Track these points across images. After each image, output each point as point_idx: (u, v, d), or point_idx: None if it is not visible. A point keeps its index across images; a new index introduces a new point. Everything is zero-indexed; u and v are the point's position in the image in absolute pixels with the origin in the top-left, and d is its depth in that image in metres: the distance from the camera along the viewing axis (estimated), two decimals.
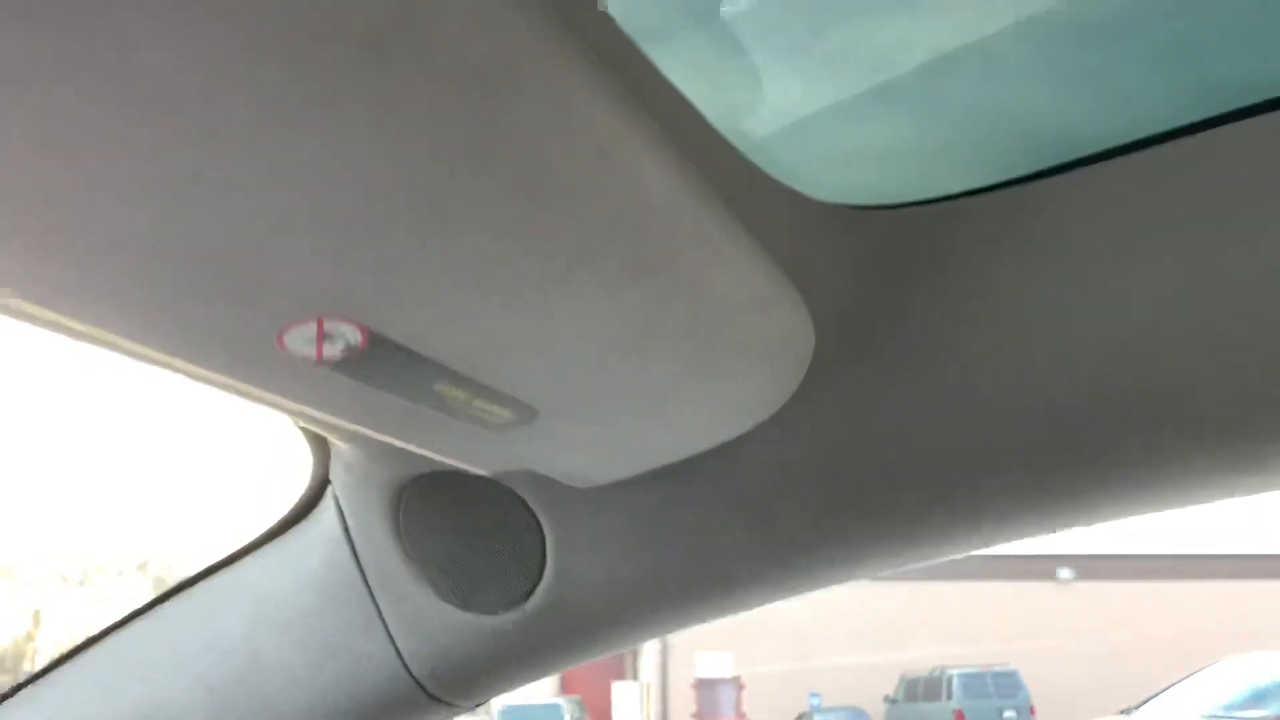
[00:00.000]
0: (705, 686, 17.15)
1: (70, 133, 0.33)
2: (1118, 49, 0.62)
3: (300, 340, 0.45)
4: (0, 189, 0.35)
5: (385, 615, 0.80)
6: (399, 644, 0.80)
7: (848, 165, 0.67)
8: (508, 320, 0.48)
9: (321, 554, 0.82)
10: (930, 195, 0.62)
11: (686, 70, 0.55)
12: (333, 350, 0.46)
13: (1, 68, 0.30)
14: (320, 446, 0.79)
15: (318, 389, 0.52)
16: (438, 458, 0.66)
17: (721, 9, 0.61)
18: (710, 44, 0.63)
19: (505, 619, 0.77)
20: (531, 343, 0.51)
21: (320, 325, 0.45)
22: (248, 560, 0.86)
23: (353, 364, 0.48)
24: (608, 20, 0.44)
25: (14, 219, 0.36)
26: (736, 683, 17.16)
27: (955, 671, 15.46)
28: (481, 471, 0.70)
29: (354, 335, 0.46)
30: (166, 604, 0.88)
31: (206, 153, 0.35)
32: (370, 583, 0.80)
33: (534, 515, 0.74)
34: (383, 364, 0.49)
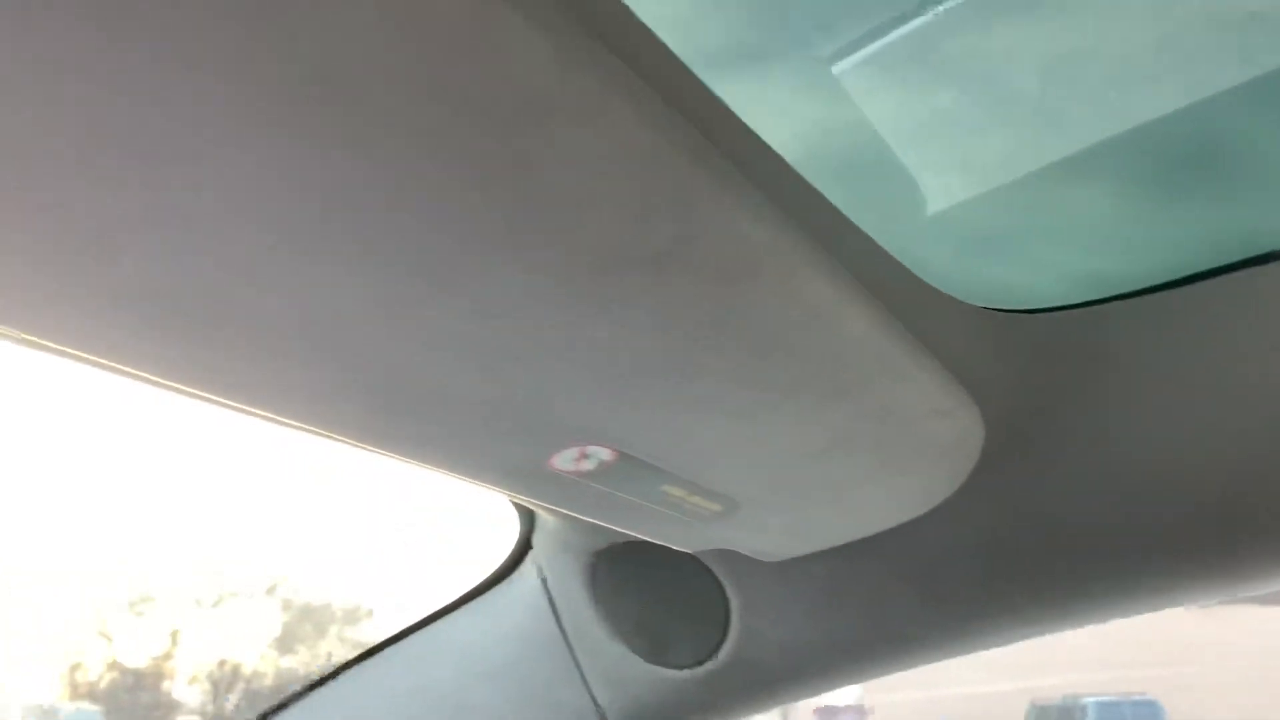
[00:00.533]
0: (829, 714, 16.97)
1: (432, 337, 0.43)
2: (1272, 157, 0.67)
3: (565, 461, 0.55)
4: (370, 362, 0.45)
5: (583, 668, 0.90)
6: (595, 694, 0.90)
7: (1009, 271, 0.74)
8: (727, 436, 0.57)
9: (524, 611, 0.92)
10: (1081, 299, 0.69)
11: (852, 196, 0.63)
12: (588, 466, 0.56)
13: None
14: (526, 516, 0.89)
15: (564, 492, 0.62)
16: (647, 539, 0.76)
17: (881, 137, 0.69)
18: (876, 172, 0.71)
19: (692, 673, 0.86)
20: (743, 452, 0.60)
21: (583, 449, 0.54)
22: (455, 614, 0.97)
23: (601, 475, 0.58)
24: (818, 195, 0.53)
25: (362, 384, 0.47)
26: (861, 710, 16.94)
27: (1090, 700, 14.95)
28: (682, 549, 0.79)
29: (607, 454, 0.56)
30: (381, 653, 1.00)
31: (523, 337, 0.45)
32: (569, 638, 0.90)
33: (719, 582, 0.83)
34: (624, 474, 0.58)
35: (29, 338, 0.40)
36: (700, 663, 0.85)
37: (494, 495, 0.78)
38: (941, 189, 0.72)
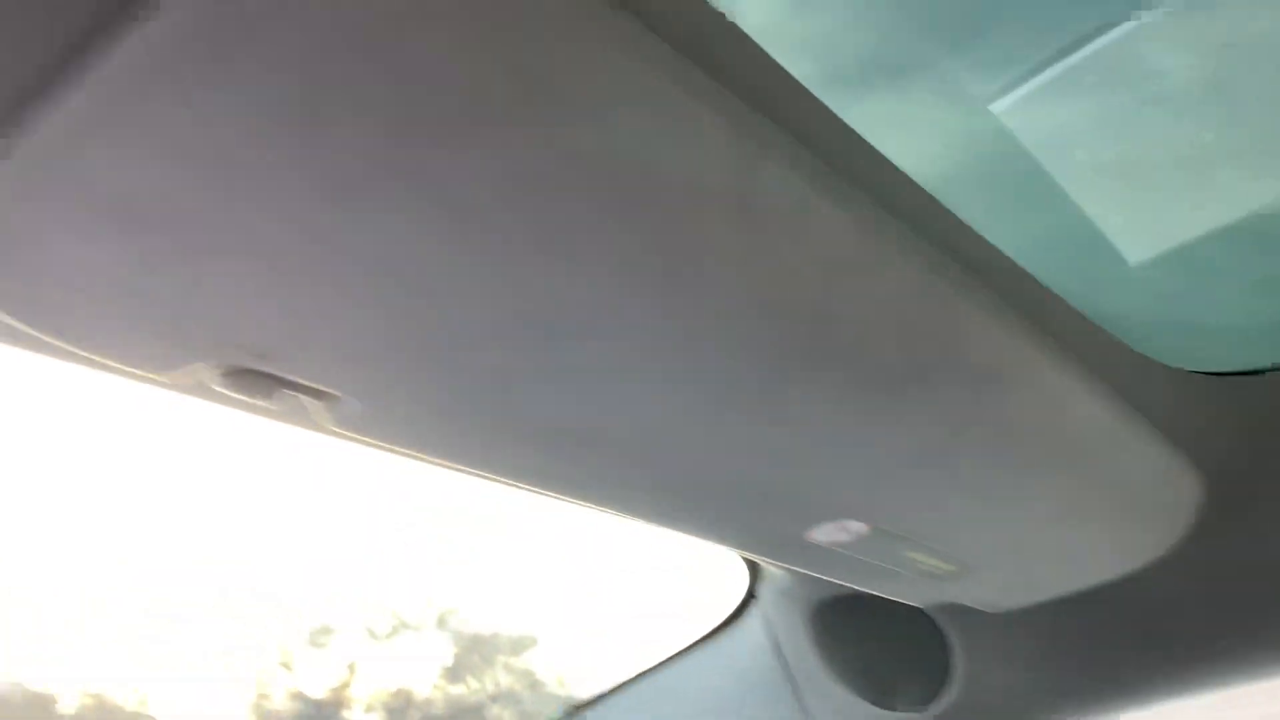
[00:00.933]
0: None
1: (734, 443, 0.52)
2: None
3: (823, 534, 0.63)
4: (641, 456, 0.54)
5: (809, 710, 0.97)
6: None
7: (1218, 334, 0.78)
8: (968, 510, 0.64)
9: (752, 657, 1.00)
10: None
11: (1068, 279, 0.69)
12: (843, 538, 0.64)
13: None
14: (753, 570, 0.97)
15: (812, 558, 0.70)
16: (880, 594, 0.83)
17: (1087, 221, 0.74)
18: (1084, 248, 0.76)
19: (918, 716, 0.92)
20: (981, 522, 0.67)
21: (841, 524, 0.62)
22: (686, 659, 1.05)
23: (852, 544, 0.65)
24: (1044, 289, 0.59)
25: (675, 479, 0.56)
26: None
27: None
28: (912, 603, 0.86)
29: (862, 528, 0.63)
30: (618, 694, 1.09)
31: (805, 439, 0.53)
32: (796, 682, 0.97)
33: (941, 630, 0.89)
34: (874, 543, 0.66)
35: (447, 464, 0.51)
36: (924, 706, 0.91)
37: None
38: (1140, 244, 0.77)
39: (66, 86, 0.30)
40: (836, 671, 0.94)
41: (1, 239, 0.34)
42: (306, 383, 0.44)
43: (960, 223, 0.53)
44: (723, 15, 0.39)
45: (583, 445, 0.50)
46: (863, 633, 0.94)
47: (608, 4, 0.33)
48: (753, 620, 1.01)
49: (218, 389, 0.43)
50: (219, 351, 0.41)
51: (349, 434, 0.48)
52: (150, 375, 0.43)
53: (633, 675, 1.07)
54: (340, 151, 0.32)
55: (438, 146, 0.33)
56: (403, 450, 0.50)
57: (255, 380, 0.43)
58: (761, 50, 0.41)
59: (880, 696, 0.93)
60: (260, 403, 0.45)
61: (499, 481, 0.54)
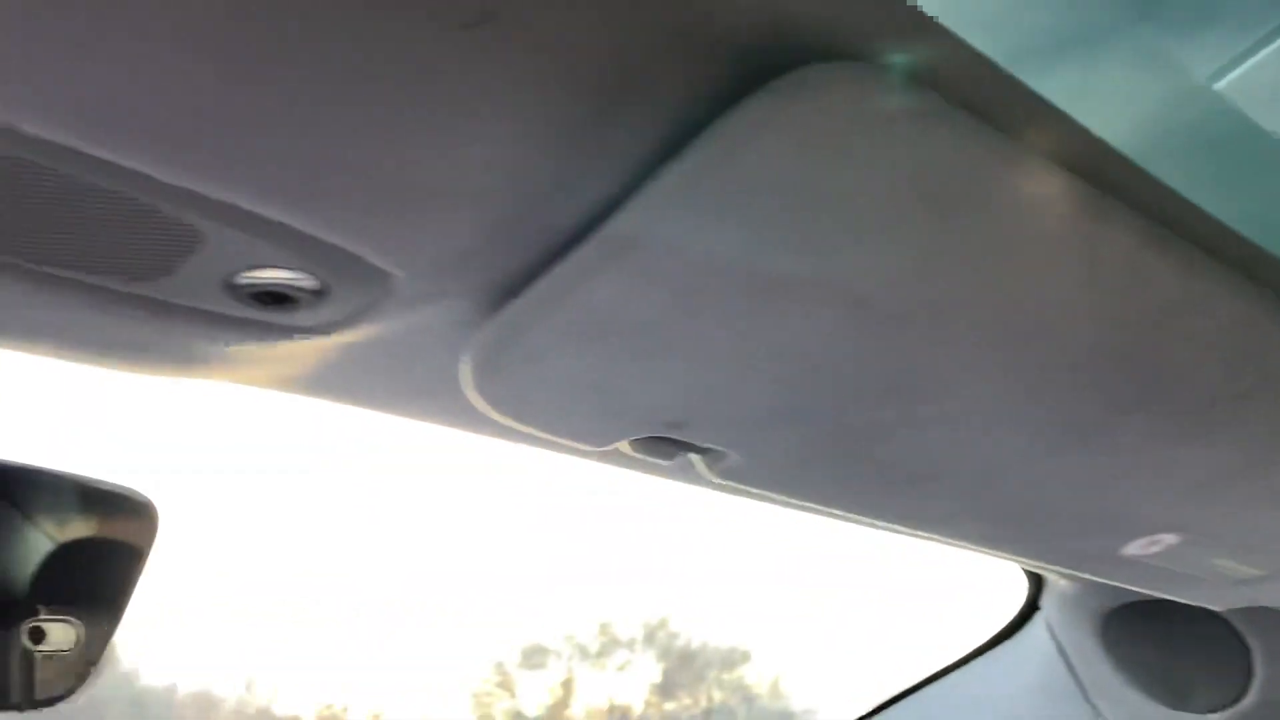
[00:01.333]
0: None
1: (1066, 472, 0.57)
2: None
3: (1135, 548, 0.67)
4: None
5: (1104, 716, 0.99)
6: None
7: None
8: (1252, 512, 0.67)
9: (1037, 665, 1.03)
10: None
11: None
12: (1154, 550, 0.68)
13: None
14: (1035, 581, 1.01)
15: (1118, 570, 0.73)
16: (1179, 600, 0.85)
17: None
18: None
19: (1219, 716, 0.93)
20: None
21: (1153, 538, 0.66)
22: (964, 670, 1.09)
23: (1162, 555, 0.69)
24: None
25: (1001, 507, 0.61)
26: None
27: None
28: (1211, 608, 0.88)
29: (1173, 539, 0.67)
30: (897, 705, 1.14)
31: (1131, 464, 0.57)
32: (1086, 689, 1.00)
33: (1237, 631, 0.90)
34: (1184, 553, 0.69)
35: (805, 506, 0.58)
36: (1224, 708, 0.92)
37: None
38: None
39: (577, 246, 0.38)
40: (1129, 676, 0.97)
41: (510, 356, 0.43)
42: (700, 444, 0.51)
43: (1262, 251, 0.56)
44: (1061, 110, 0.44)
45: (930, 485, 0.56)
46: (1155, 637, 0.96)
47: (981, 121, 0.39)
48: (1037, 630, 1.04)
49: (631, 454, 0.52)
50: (643, 426, 0.49)
51: (724, 484, 0.56)
52: (583, 448, 0.51)
53: (909, 686, 1.12)
54: (771, 267, 0.39)
55: (845, 253, 0.40)
56: (768, 496, 0.58)
57: (661, 445, 0.51)
58: (1085, 128, 0.46)
59: (1176, 700, 0.95)
60: (659, 462, 0.53)
61: (847, 520, 0.61)
